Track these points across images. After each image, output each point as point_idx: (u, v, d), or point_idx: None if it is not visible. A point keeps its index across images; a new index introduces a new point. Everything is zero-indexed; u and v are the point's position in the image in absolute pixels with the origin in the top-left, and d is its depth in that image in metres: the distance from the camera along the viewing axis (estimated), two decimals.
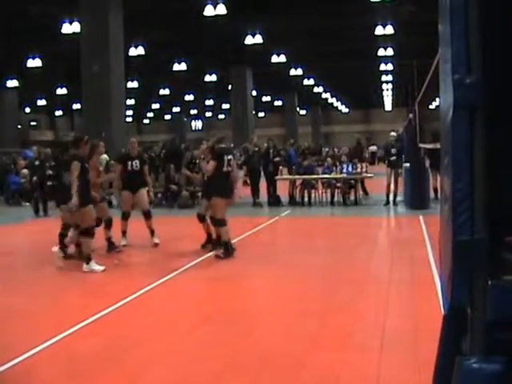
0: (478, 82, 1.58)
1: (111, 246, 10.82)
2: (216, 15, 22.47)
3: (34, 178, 17.87)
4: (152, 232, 11.43)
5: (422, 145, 14.56)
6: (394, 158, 17.10)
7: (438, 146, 10.78)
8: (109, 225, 10.84)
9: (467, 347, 1.60)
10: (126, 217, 11.44)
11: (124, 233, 11.45)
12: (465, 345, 1.67)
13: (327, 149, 25.62)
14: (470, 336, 1.53)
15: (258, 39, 26.78)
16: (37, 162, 18.03)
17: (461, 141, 1.57)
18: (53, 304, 7.33)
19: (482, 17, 1.61)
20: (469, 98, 1.57)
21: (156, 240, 11.39)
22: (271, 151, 18.98)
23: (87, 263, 9.01)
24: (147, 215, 11.43)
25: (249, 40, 26.91)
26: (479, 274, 1.50)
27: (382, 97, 59.97)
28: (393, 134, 18.33)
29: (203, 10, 22.16)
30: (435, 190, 17.05)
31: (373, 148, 45.98)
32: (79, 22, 22.46)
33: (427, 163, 16.89)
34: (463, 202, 1.54)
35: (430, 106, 51.41)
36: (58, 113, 61.84)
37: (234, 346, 5.43)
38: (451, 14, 1.64)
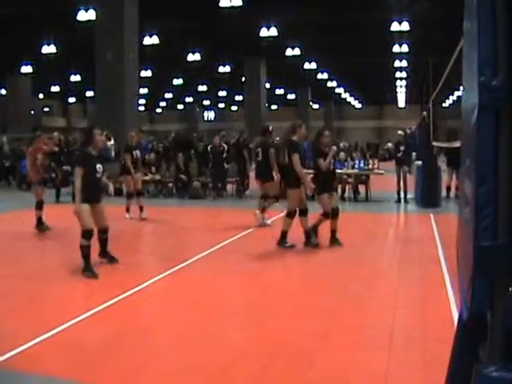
0: (504, 84, 1.54)
1: (39, 224, 11.93)
2: (231, 7, 22.38)
3: (52, 164, 17.87)
4: (141, 208, 13.71)
5: (435, 143, 14.48)
6: (400, 154, 17.12)
7: (453, 144, 10.67)
8: (40, 206, 11.94)
9: (485, 354, 1.57)
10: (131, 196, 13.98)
11: (128, 209, 13.88)
12: (482, 352, 1.64)
13: (342, 143, 25.43)
14: (489, 343, 1.50)
15: (273, 32, 26.65)
16: (56, 149, 18.06)
17: (485, 144, 1.54)
18: (60, 292, 7.33)
19: (509, 18, 1.57)
20: (494, 100, 1.54)
21: (144, 215, 13.66)
22: None
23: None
24: (141, 193, 14.13)
25: (263, 32, 26.80)
26: (501, 280, 1.47)
27: (396, 93, 59.66)
28: (400, 132, 18.34)
29: (219, 1, 22.08)
30: (448, 189, 17.01)
31: (389, 145, 45.91)
32: (95, 10, 22.45)
33: (439, 161, 16.85)
34: (487, 206, 1.51)
35: (444, 104, 50.98)
36: (71, 100, 61.94)
37: (242, 339, 5.42)
38: (478, 16, 1.60)
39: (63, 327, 5.68)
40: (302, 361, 4.91)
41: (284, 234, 10.08)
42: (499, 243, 1.48)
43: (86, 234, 8.16)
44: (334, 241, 10.13)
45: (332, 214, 10.00)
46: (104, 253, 8.80)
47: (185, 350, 5.17)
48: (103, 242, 8.76)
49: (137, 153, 14.05)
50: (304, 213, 10.14)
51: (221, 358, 4.94)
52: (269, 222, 12.73)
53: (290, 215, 10.10)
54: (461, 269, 1.78)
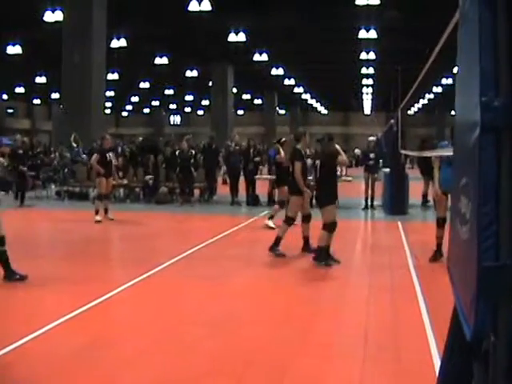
0: (507, 104, 1.55)
1: None
2: (200, 11, 22.36)
3: (20, 168, 17.54)
4: (106, 210, 14.21)
5: (403, 151, 14.61)
6: (371, 162, 17.21)
7: (424, 154, 10.76)
8: None
9: (484, 375, 1.57)
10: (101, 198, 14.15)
11: (97, 212, 13.79)
12: (477, 371, 1.65)
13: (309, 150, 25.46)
14: (492, 365, 1.50)
15: (241, 37, 26.72)
16: (20, 151, 17.79)
17: (488, 165, 1.54)
18: (28, 300, 7.18)
19: (511, 38, 1.58)
20: (497, 120, 1.54)
21: (111, 216, 14.13)
22: (251, 150, 18.94)
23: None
24: (108, 197, 14.58)
25: (232, 37, 26.85)
26: (505, 300, 1.47)
27: (362, 100, 60.22)
28: (372, 138, 18.41)
29: (188, 6, 22.04)
30: (424, 197, 17.13)
31: (357, 151, 46.22)
32: (62, 11, 22.22)
33: (408, 169, 17.01)
34: (489, 226, 1.51)
35: (409, 112, 51.57)
36: (36, 101, 61.14)
37: (216, 348, 5.37)
38: (480, 36, 1.61)
39: (32, 336, 5.52)
40: (275, 370, 4.88)
41: (278, 240, 9.84)
42: (502, 263, 1.48)
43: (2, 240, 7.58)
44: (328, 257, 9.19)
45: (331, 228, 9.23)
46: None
47: (158, 359, 5.10)
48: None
49: (110, 155, 14.35)
50: (307, 219, 10.16)
51: (195, 368, 4.88)
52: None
53: (288, 221, 9.95)
54: (458, 288, 1.77)
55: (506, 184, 1.52)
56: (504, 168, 1.53)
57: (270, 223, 12.90)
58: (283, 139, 14.37)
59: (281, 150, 13.72)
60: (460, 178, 1.85)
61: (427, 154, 10.49)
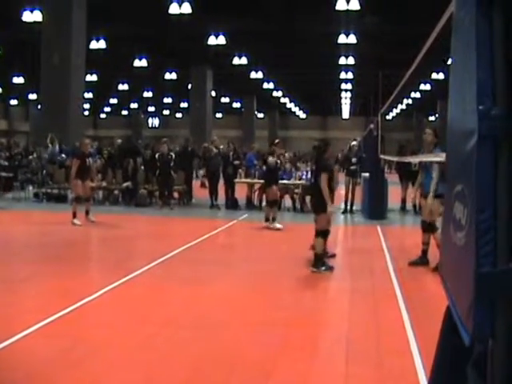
0: (504, 112, 1.57)
1: None
2: (180, 13, 22.32)
3: None
4: (88, 211, 14.09)
5: (383, 156, 14.69)
6: (354, 167, 17.26)
7: (405, 159, 10.84)
8: None
9: (479, 380, 1.58)
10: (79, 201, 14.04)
11: (75, 214, 13.65)
12: (473, 377, 1.67)
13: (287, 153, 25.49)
14: (490, 370, 1.51)
15: (221, 40, 26.71)
16: None
17: (485, 172, 1.56)
18: (9, 302, 7.11)
19: (508, 46, 1.60)
20: (494, 129, 1.56)
21: (92, 218, 14.06)
22: (231, 154, 18.95)
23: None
24: (88, 199, 14.41)
25: (211, 40, 26.82)
26: (503, 306, 1.49)
27: (340, 105, 60.47)
28: (355, 143, 18.45)
29: (168, 8, 21.99)
30: (403, 201, 17.28)
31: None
32: (41, 11, 22.05)
33: (386, 174, 17.10)
34: (487, 232, 1.52)
35: (387, 117, 51.92)
36: (13, 102, 60.48)
37: (198, 352, 5.36)
38: (477, 45, 1.62)
39: (13, 340, 5.46)
40: (260, 373, 4.88)
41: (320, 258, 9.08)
42: (501, 269, 1.50)
43: None
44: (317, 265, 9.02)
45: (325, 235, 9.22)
46: None
47: (140, 363, 5.07)
48: None
49: (89, 160, 14.47)
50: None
51: (179, 373, 4.87)
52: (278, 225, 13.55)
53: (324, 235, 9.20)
54: (453, 293, 1.79)
55: (503, 191, 1.54)
56: (501, 175, 1.55)
57: (271, 225, 13.58)
58: (277, 140, 14.98)
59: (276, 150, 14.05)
60: (454, 185, 1.86)
61: (407, 159, 10.57)
